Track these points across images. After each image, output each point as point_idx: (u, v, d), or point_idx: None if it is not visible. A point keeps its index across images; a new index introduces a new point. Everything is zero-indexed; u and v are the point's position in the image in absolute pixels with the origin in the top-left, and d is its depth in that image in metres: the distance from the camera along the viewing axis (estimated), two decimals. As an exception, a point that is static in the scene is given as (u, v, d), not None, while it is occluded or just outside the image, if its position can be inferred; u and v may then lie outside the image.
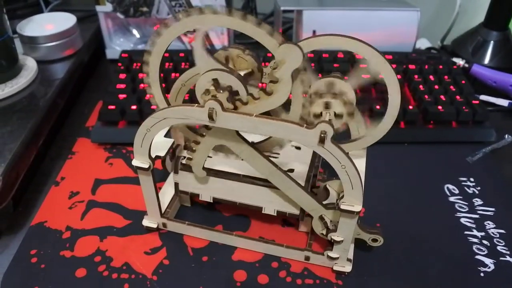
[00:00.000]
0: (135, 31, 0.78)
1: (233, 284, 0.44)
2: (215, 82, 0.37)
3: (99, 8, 0.73)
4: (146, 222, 0.48)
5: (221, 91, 0.37)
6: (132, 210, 0.51)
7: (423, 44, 0.89)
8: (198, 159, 0.43)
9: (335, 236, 0.42)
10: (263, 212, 0.46)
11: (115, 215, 0.51)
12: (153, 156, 0.43)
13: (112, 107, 0.60)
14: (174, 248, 0.47)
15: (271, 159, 0.45)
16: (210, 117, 0.37)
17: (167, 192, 0.51)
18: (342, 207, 0.39)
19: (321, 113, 0.40)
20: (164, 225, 0.48)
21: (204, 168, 0.44)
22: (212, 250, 0.47)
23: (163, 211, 0.48)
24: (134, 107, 0.60)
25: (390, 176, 0.57)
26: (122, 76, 0.66)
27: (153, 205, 0.46)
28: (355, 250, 0.46)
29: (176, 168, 0.46)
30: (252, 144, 0.41)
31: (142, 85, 0.64)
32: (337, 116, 0.40)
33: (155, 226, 0.48)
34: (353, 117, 0.41)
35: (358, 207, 0.39)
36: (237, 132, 0.40)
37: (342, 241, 0.42)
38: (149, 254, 0.46)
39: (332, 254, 0.43)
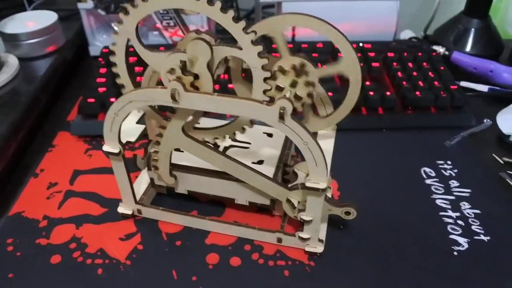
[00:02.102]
0: (117, 28, 0.78)
1: (205, 267, 0.44)
2: (183, 64, 0.38)
3: (80, 6, 0.74)
4: (121, 209, 0.48)
5: (187, 74, 0.37)
6: (109, 199, 0.51)
7: (407, 35, 0.90)
8: (163, 160, 0.44)
9: (304, 216, 0.42)
10: (236, 202, 0.47)
11: (92, 204, 0.51)
12: (123, 141, 0.43)
13: (92, 100, 0.61)
14: (149, 233, 0.47)
15: (242, 148, 0.45)
16: (173, 97, 0.37)
17: (143, 180, 0.51)
18: (308, 185, 0.39)
19: (282, 90, 0.40)
20: (139, 211, 0.48)
21: (173, 165, 0.45)
22: (186, 235, 0.47)
23: (138, 199, 0.48)
24: (113, 99, 0.60)
25: (367, 161, 0.57)
26: (103, 70, 0.66)
27: (126, 191, 0.47)
28: (329, 232, 0.47)
29: (149, 166, 0.47)
30: (203, 142, 0.42)
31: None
32: (297, 97, 0.41)
33: (130, 212, 0.48)
34: (312, 98, 0.41)
35: (323, 184, 0.39)
36: (182, 130, 0.41)
37: (311, 220, 0.42)
38: (123, 240, 0.47)
39: (303, 234, 0.44)
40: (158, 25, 0.77)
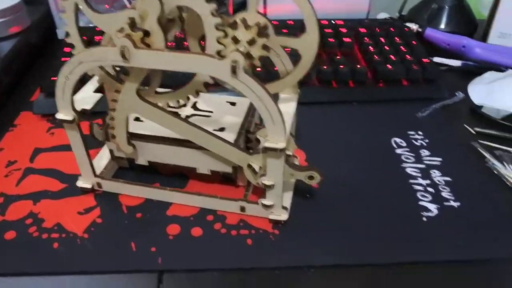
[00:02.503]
0: (86, 11, 0.77)
1: (165, 238, 0.42)
2: (132, 21, 0.36)
3: (46, -13, 0.72)
4: (80, 183, 0.47)
5: (136, 31, 0.36)
6: (70, 175, 0.49)
7: (382, 17, 0.89)
8: (119, 127, 0.42)
9: (265, 181, 0.41)
10: (197, 172, 0.45)
11: (51, 180, 0.49)
12: (78, 109, 0.42)
13: (55, 78, 0.59)
14: (108, 207, 0.46)
15: (203, 117, 0.44)
16: (123, 55, 0.36)
17: (105, 155, 0.49)
18: (266, 145, 0.38)
19: (237, 43, 0.39)
20: (99, 185, 0.47)
21: (131, 134, 0.43)
22: (147, 207, 0.45)
23: (99, 173, 0.47)
24: (77, 77, 0.59)
25: (336, 133, 0.56)
26: (67, 49, 0.65)
27: (84, 163, 0.45)
28: (295, 201, 0.45)
29: (107, 136, 0.45)
30: (160, 106, 0.40)
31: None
32: (250, 56, 0.39)
33: (89, 186, 0.46)
34: (266, 51, 0.40)
35: (281, 144, 0.38)
36: (137, 93, 0.39)
37: (273, 185, 0.41)
38: (82, 214, 0.45)
39: (266, 201, 0.42)
40: (128, 5, 0.75)
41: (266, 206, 0.42)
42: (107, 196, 0.47)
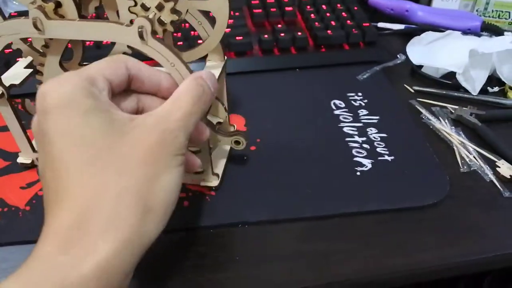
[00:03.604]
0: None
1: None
2: None
3: (-11, -28, 0.72)
4: (20, 159, 0.47)
5: (47, 2, 0.36)
6: (14, 153, 0.50)
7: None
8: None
9: (190, 147, 0.42)
10: None
11: (-5, 159, 0.50)
12: (7, 84, 0.42)
13: (-4, 61, 0.59)
14: (50, 180, 0.46)
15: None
16: (35, 26, 0.36)
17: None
18: None
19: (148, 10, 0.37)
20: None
21: None
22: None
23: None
24: (19, 59, 0.59)
25: (277, 99, 0.57)
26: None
27: (21, 139, 0.45)
28: (232, 163, 0.47)
29: None
30: None
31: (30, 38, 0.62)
32: (161, 22, 0.37)
33: (29, 161, 0.47)
34: (175, 27, 0.38)
35: None
36: (60, 65, 0.40)
37: (199, 151, 0.42)
38: (24, 189, 0.46)
39: None
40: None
41: (196, 173, 0.43)
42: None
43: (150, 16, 0.37)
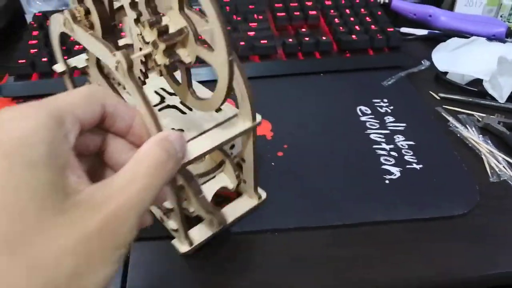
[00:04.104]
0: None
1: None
2: None
3: (12, -28, 0.72)
4: None
5: (80, 6, 0.36)
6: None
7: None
8: None
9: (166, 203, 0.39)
10: None
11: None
12: (70, 65, 0.43)
13: (23, 60, 0.59)
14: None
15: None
16: (66, 26, 0.36)
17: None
18: None
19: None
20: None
21: None
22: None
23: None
24: (45, 59, 0.59)
25: (302, 104, 0.56)
26: (35, 33, 0.64)
27: None
28: (261, 170, 0.46)
29: None
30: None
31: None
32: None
33: None
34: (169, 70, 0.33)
35: None
36: (97, 65, 0.39)
37: (171, 210, 0.39)
38: None
39: (170, 224, 0.40)
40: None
41: (172, 229, 0.41)
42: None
43: (147, 51, 0.33)
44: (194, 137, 0.37)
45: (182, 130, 0.39)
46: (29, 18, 0.76)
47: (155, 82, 0.43)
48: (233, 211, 0.42)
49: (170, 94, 0.43)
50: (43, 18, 0.68)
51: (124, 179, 0.24)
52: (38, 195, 0.22)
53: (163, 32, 0.31)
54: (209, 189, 0.42)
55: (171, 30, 0.32)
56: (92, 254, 0.22)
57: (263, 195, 0.44)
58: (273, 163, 0.48)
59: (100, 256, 0.23)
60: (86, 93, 0.27)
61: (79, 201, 0.23)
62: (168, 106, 0.42)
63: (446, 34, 0.68)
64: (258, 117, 0.38)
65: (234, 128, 0.37)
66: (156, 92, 0.43)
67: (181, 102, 0.42)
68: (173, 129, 0.39)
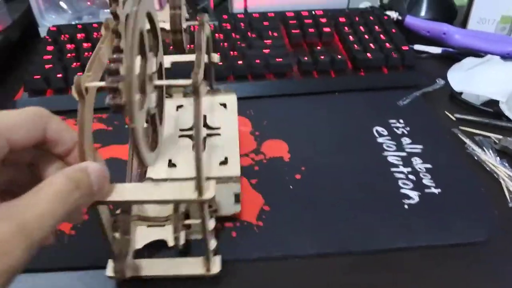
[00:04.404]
0: (67, 8, 0.76)
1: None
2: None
3: (26, -15, 0.71)
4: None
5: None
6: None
7: (365, 6, 0.89)
8: None
9: None
10: None
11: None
12: None
13: (38, 76, 0.59)
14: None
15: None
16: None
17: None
18: None
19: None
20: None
21: None
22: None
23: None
24: (59, 75, 0.59)
25: (318, 123, 0.56)
26: (50, 48, 0.64)
27: None
28: (279, 193, 0.46)
29: None
30: None
31: (69, 54, 0.63)
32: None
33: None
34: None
35: None
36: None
37: None
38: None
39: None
40: (108, 2, 0.75)
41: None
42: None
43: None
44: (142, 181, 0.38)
45: (174, 165, 0.41)
46: (42, 30, 0.76)
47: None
48: (161, 266, 0.39)
49: (206, 125, 0.45)
50: (57, 33, 0.68)
51: (24, 202, 0.24)
52: None
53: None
54: (145, 236, 0.40)
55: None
56: None
57: (215, 269, 0.38)
58: (291, 187, 0.47)
59: None
60: (28, 117, 0.27)
61: None
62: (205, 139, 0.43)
63: (460, 53, 0.68)
64: (209, 194, 0.32)
65: (180, 191, 0.33)
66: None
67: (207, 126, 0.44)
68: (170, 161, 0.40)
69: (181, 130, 0.44)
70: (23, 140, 0.27)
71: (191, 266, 0.39)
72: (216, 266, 0.38)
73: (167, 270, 0.39)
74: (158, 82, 0.33)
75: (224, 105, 0.48)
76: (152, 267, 0.39)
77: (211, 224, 0.36)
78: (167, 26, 0.38)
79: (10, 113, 0.27)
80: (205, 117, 0.45)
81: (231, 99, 0.48)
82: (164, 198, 0.33)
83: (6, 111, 0.27)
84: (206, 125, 0.45)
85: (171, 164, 0.41)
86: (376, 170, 0.50)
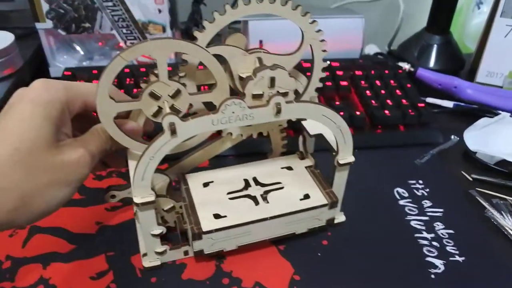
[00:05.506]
0: (78, 48, 0.76)
1: (183, 304, 0.42)
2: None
3: (39, 26, 0.71)
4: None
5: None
6: (77, 234, 0.49)
7: (371, 49, 0.91)
8: None
9: None
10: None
11: (59, 240, 0.48)
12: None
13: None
14: (121, 271, 0.45)
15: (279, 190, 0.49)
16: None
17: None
18: None
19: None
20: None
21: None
22: (161, 270, 0.45)
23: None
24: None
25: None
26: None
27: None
28: (310, 258, 0.46)
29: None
30: None
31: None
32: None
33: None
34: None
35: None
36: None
37: None
38: (95, 279, 0.44)
39: None
40: (122, 44, 0.74)
41: None
42: (119, 259, 0.46)
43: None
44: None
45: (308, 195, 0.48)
46: (52, 70, 0.75)
47: (250, 171, 0.50)
48: None
49: (258, 183, 0.49)
50: (72, 77, 0.67)
51: (87, 138, 0.39)
52: (45, 131, 0.35)
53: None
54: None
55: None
56: (58, 177, 0.36)
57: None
58: (319, 254, 0.47)
59: (64, 180, 0.36)
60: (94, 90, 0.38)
61: (63, 144, 0.37)
62: (246, 196, 0.47)
63: (473, 108, 0.69)
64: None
65: None
66: (245, 180, 0.49)
67: (259, 183, 0.49)
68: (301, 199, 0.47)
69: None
70: (92, 104, 0.38)
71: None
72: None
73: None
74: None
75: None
76: None
77: None
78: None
79: (88, 84, 0.40)
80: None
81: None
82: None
83: (86, 83, 0.40)
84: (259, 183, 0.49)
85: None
86: (400, 236, 0.50)
